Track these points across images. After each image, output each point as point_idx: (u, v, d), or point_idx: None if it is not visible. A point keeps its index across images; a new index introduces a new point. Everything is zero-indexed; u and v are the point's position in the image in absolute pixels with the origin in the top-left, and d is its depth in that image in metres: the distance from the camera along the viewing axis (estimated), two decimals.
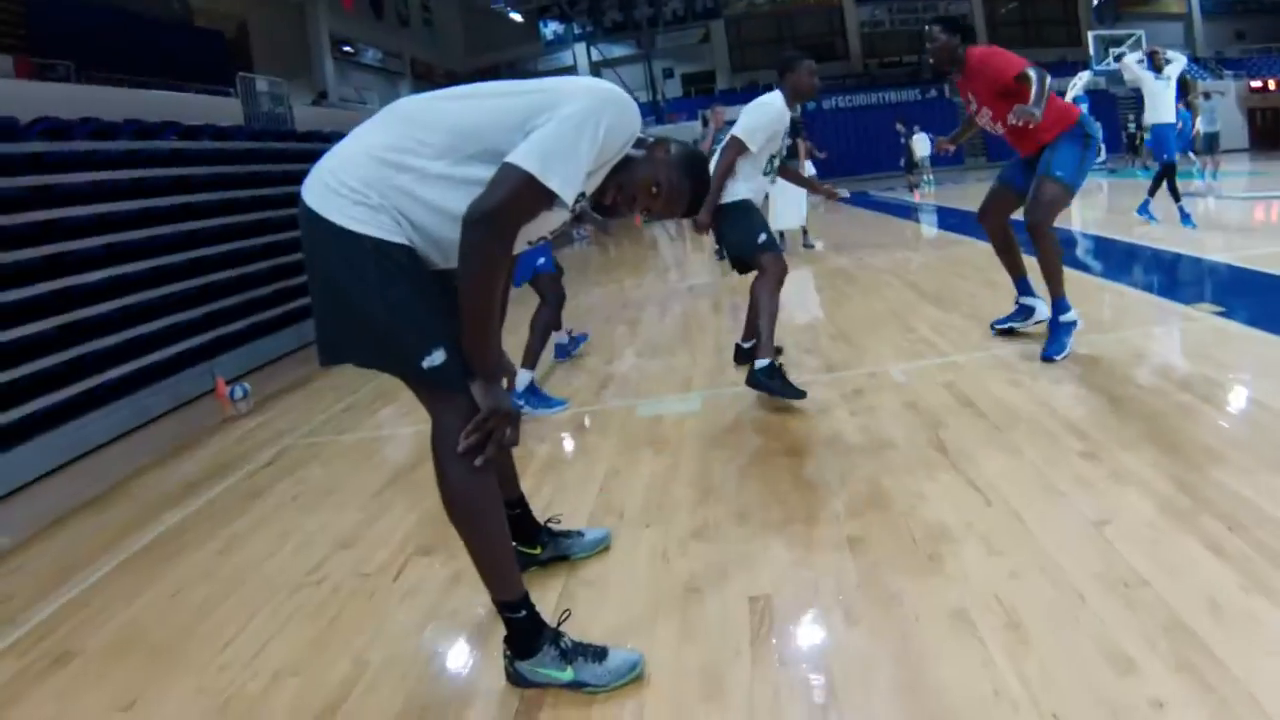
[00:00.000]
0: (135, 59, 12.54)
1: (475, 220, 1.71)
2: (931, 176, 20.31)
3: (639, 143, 2.00)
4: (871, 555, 2.40)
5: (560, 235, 2.26)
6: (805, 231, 10.01)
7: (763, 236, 4.04)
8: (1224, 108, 14.65)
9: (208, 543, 3.41)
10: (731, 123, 4.32)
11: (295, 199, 1.90)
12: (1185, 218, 8.01)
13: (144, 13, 15.31)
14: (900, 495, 2.76)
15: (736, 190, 4.06)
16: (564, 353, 5.63)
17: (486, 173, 1.76)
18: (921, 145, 19.62)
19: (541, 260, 4.57)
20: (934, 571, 2.26)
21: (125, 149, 8.74)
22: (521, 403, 4.37)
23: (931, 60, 4.23)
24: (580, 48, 33.35)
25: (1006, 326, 4.60)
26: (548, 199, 1.76)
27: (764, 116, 4.00)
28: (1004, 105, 3.96)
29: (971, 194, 17.41)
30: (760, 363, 3.87)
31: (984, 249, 8.13)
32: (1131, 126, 19.92)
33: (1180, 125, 9.08)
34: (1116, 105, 24.89)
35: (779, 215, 9.48)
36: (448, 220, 1.78)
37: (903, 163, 19.32)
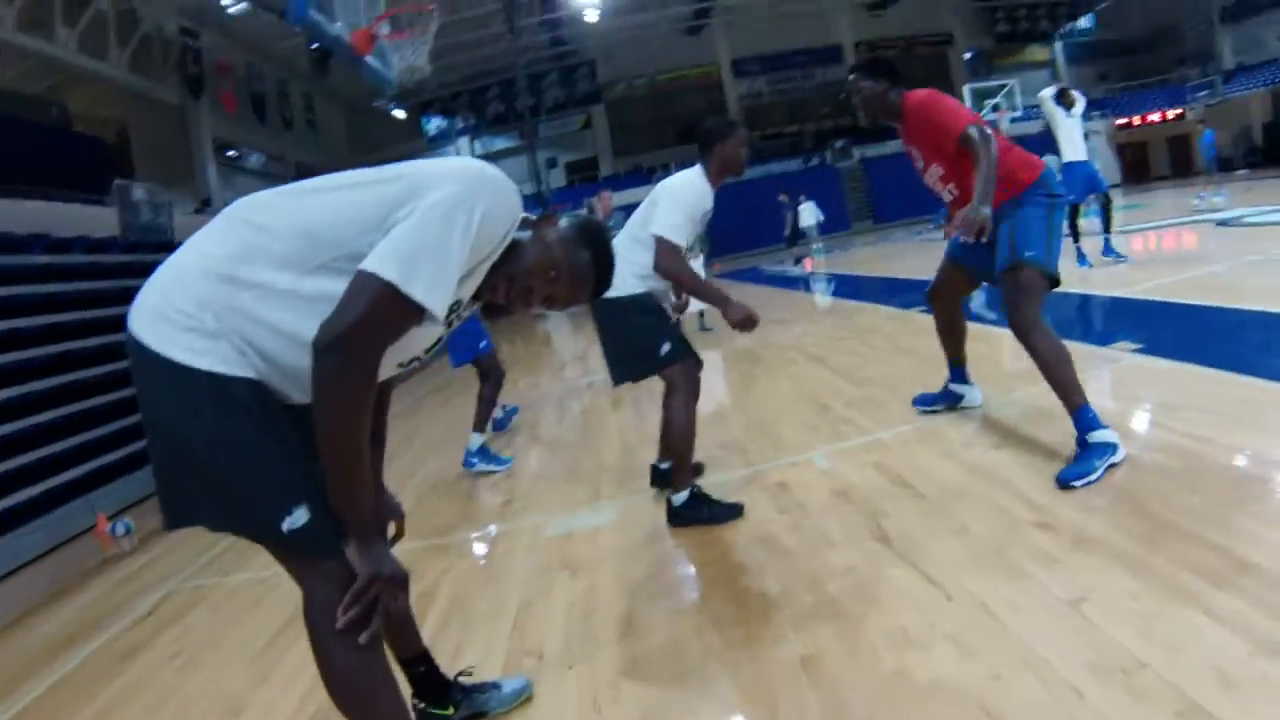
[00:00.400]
0: (11, 167, 11.83)
1: (327, 346, 1.41)
2: (821, 245, 20.87)
3: (522, 224, 1.74)
4: (831, 676, 2.12)
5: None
6: (702, 314, 9.83)
7: (666, 346, 3.41)
8: (1097, 146, 15.51)
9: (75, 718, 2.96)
10: (622, 209, 3.97)
11: None
12: (1081, 258, 8.27)
13: (20, 118, 14.58)
14: (850, 600, 2.49)
15: (635, 283, 3.36)
16: (501, 425, 6.21)
17: (342, 285, 1.47)
18: (808, 214, 20.18)
19: (484, 343, 5.33)
20: (904, 686, 2.00)
21: None
22: (476, 461, 5.22)
23: (863, 114, 3.64)
24: (464, 141, 33.62)
25: (930, 409, 4.23)
26: (416, 312, 1.47)
27: (685, 205, 3.36)
28: (954, 166, 3.33)
29: (861, 258, 18.03)
30: (678, 497, 3.45)
31: (888, 313, 8.42)
32: None
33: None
34: None
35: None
36: (299, 346, 1.48)
37: (785, 234, 19.75)
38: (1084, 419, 3.04)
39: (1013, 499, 2.93)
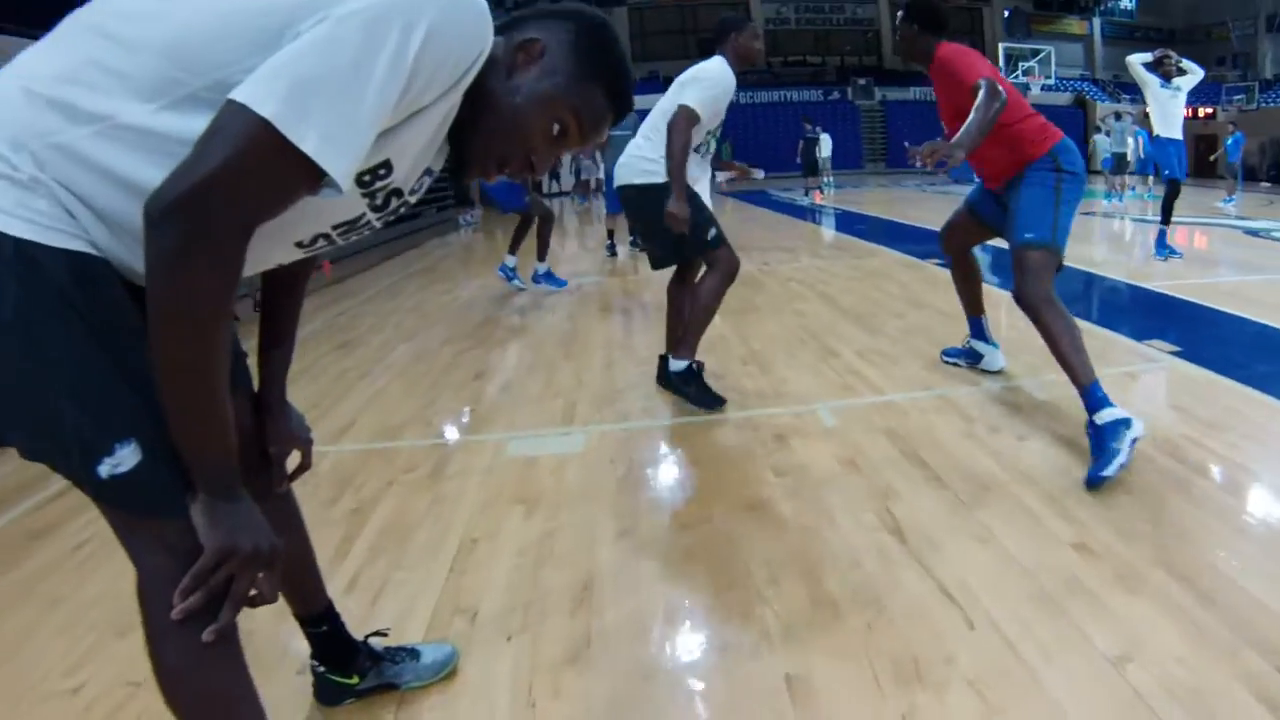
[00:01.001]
0: None
1: (164, 212, 0.88)
2: (831, 179, 20.16)
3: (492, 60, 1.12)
4: (822, 710, 1.70)
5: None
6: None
7: (713, 231, 3.51)
8: (1125, 127, 14.88)
9: None
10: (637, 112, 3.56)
11: None
12: (1162, 245, 7.57)
13: None
14: (852, 604, 2.07)
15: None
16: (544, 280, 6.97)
17: None
18: (825, 146, 19.43)
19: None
20: None
21: None
22: (541, 283, 6.79)
23: (900, 53, 3.65)
24: None
25: (952, 361, 4.13)
26: (305, 171, 0.93)
27: (717, 86, 3.49)
28: (958, 124, 3.06)
29: (870, 199, 17.39)
30: (677, 364, 3.58)
31: (902, 260, 7.95)
32: None
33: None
34: None
35: None
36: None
37: (799, 161, 18.95)
38: (1092, 398, 2.83)
39: (1045, 506, 2.52)
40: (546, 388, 4.28)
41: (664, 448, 3.34)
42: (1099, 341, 4.53)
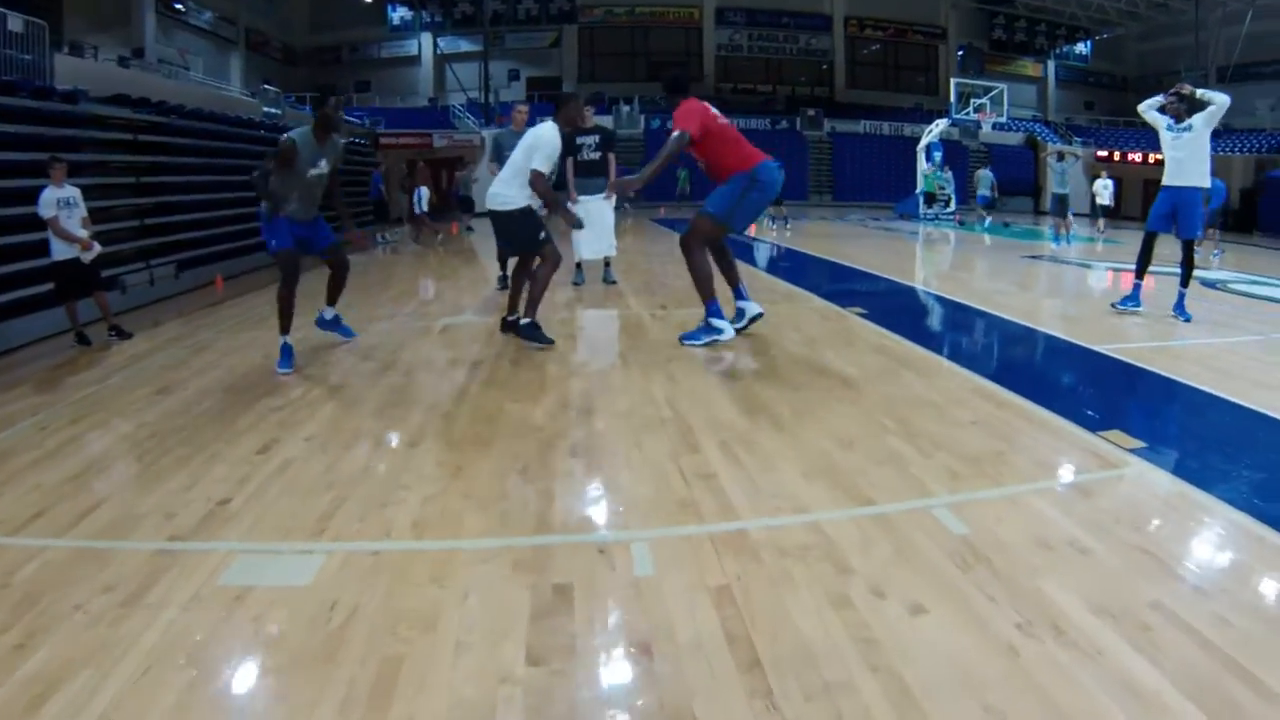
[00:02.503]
0: None
1: None
2: (776, 216, 19.22)
3: None
4: None
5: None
6: (608, 264, 8.56)
7: (543, 233, 5.42)
8: (1074, 174, 14.17)
9: None
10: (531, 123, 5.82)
11: None
12: (1132, 294, 6.60)
13: None
14: None
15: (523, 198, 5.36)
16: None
17: None
18: None
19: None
20: None
21: None
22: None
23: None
24: (426, 37, 30.92)
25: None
26: None
27: (550, 145, 5.25)
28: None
29: (809, 232, 16.37)
30: (525, 320, 5.38)
31: (819, 307, 6.93)
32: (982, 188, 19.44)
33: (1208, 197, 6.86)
34: (969, 157, 25.09)
35: (580, 243, 7.93)
36: None
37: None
38: (711, 309, 5.30)
39: None
40: (324, 474, 3.17)
41: (400, 585, 2.23)
42: (1045, 434, 3.59)
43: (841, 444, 3.39)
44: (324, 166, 5.17)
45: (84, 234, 6.07)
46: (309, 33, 31.92)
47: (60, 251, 6.00)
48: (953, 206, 19.79)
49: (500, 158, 8.03)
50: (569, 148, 7.87)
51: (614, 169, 8.13)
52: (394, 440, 3.64)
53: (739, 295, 5.59)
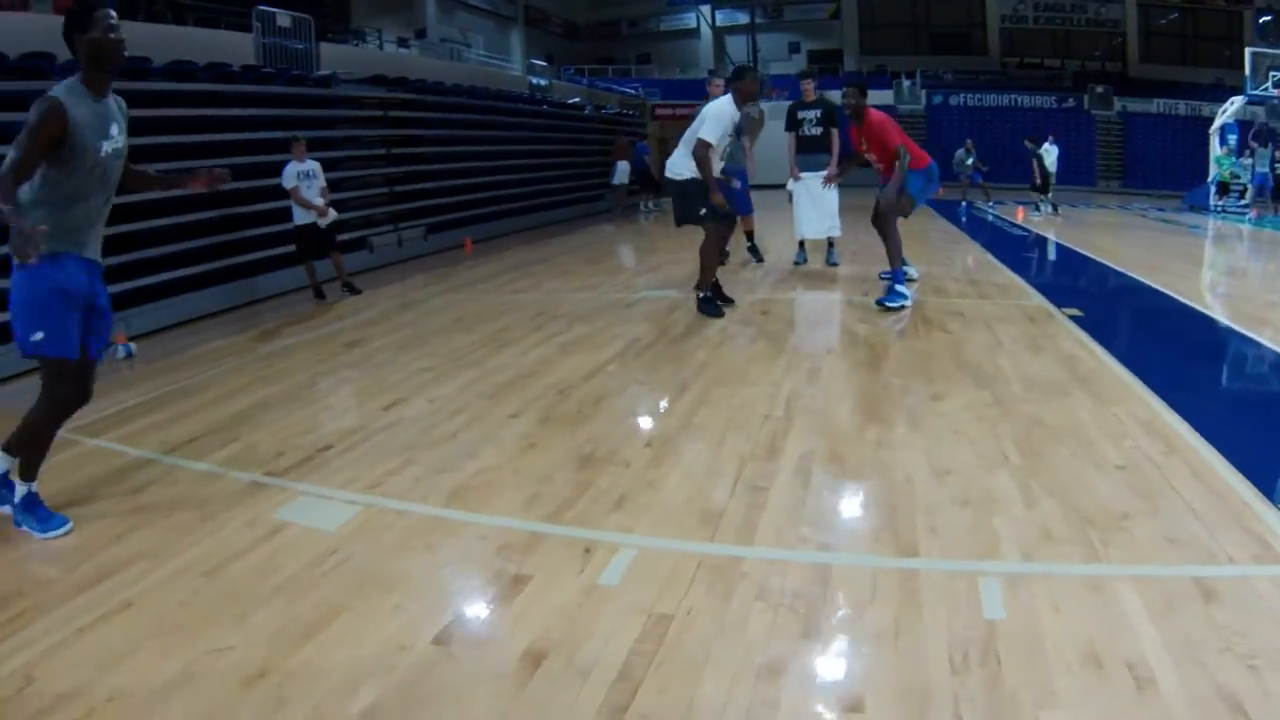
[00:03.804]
0: None
1: None
2: (1046, 199, 17.37)
3: None
4: None
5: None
6: (832, 245, 8.02)
7: (703, 210, 5.50)
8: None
9: None
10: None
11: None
12: None
13: None
14: None
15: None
16: None
17: None
18: (1051, 158, 16.80)
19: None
20: None
21: None
22: None
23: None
24: (705, 10, 31.03)
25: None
26: None
27: (721, 119, 5.47)
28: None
29: (1081, 222, 14.44)
30: (699, 294, 5.82)
31: (1033, 308, 6.28)
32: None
33: None
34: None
35: (802, 221, 7.84)
36: None
37: (1035, 182, 16.44)
38: (898, 275, 5.99)
39: None
40: (419, 435, 3.47)
41: (396, 546, 2.37)
42: (1207, 499, 2.69)
43: (935, 473, 2.94)
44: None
45: (320, 202, 6.90)
46: (589, 8, 33.25)
47: (300, 217, 6.88)
48: (1248, 198, 16.79)
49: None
50: (791, 122, 7.76)
51: (837, 145, 7.77)
52: (499, 411, 3.81)
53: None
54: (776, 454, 3.16)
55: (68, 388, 2.61)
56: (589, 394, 4.03)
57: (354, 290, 7.25)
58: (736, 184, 6.62)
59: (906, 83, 26.24)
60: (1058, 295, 6.38)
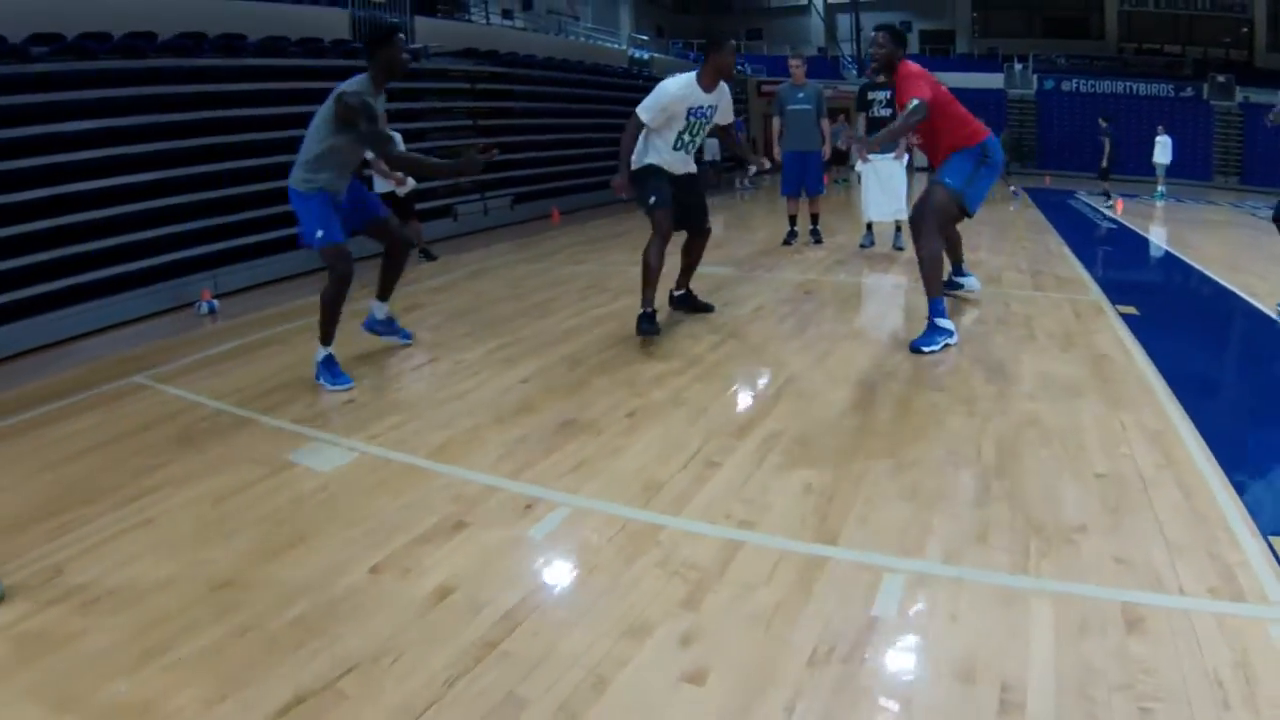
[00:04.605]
0: None
1: None
2: (1163, 188, 16.44)
3: None
4: None
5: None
6: (899, 229, 7.83)
7: (652, 198, 4.60)
8: None
9: None
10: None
11: None
12: None
13: None
14: None
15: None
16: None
17: None
18: (1162, 150, 15.96)
19: None
20: None
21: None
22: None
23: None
24: None
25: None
26: None
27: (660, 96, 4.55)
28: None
29: (1182, 219, 13.66)
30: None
31: (1079, 301, 5.54)
32: None
33: None
34: None
35: (869, 203, 7.74)
36: None
37: (1101, 165, 15.55)
38: (937, 307, 4.45)
39: None
40: (433, 393, 3.82)
41: (372, 488, 2.71)
42: (1182, 518, 2.49)
43: (898, 465, 2.89)
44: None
45: (399, 172, 7.34)
46: None
47: (380, 186, 7.34)
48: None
49: (781, 111, 8.11)
50: (861, 102, 7.63)
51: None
52: (511, 375, 4.11)
53: (958, 271, 5.50)
54: (745, 432, 3.25)
55: (343, 265, 3.91)
56: (598, 364, 4.24)
57: (430, 257, 7.71)
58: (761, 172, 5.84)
59: (1018, 66, 25.09)
60: (1118, 291, 6.04)
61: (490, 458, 3.07)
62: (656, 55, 19.96)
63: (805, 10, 31.18)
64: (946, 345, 4.35)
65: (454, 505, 2.67)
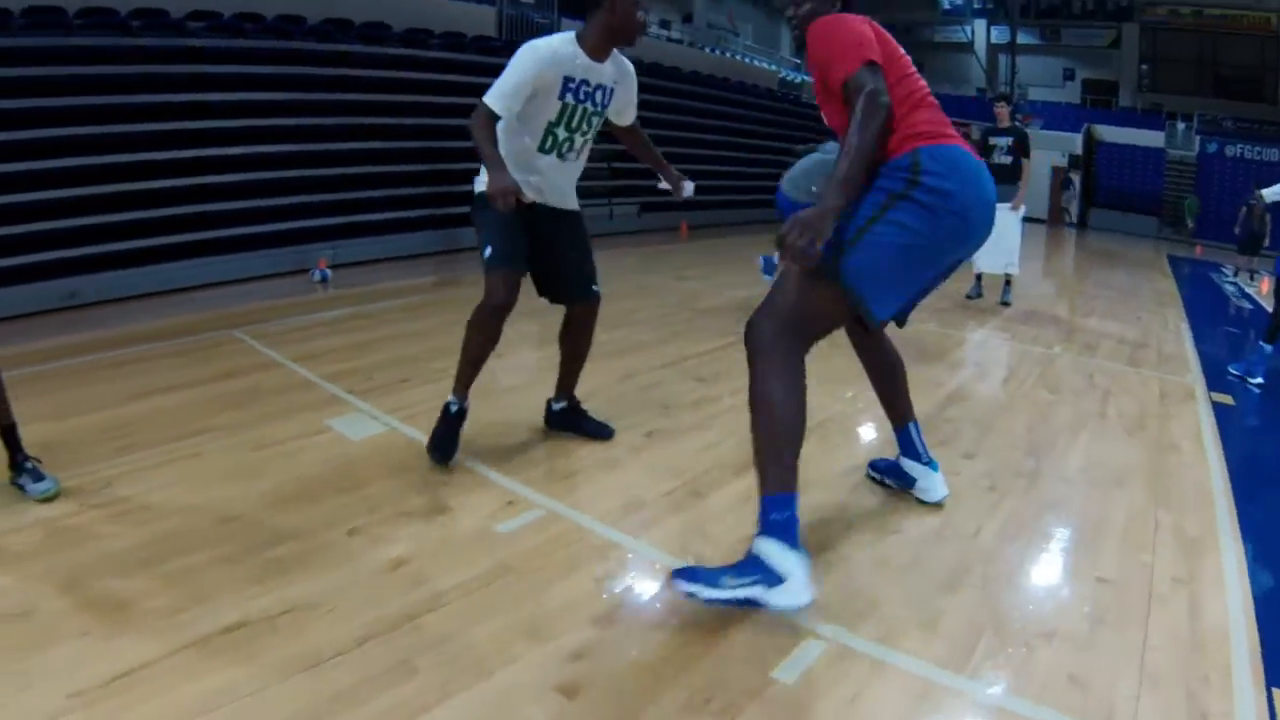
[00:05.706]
0: None
1: None
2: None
3: None
4: None
5: None
6: (1009, 283, 7.56)
7: (488, 249, 2.91)
8: None
9: None
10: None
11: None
12: None
13: None
14: None
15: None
16: None
17: None
18: None
19: None
20: None
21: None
22: None
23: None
24: (979, 25, 29.24)
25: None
26: None
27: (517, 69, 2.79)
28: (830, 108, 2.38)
29: None
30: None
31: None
32: None
33: None
34: None
35: (980, 254, 7.38)
36: None
37: (1236, 232, 14.29)
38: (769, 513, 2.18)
39: None
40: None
41: (381, 452, 3.02)
42: None
43: (879, 530, 2.75)
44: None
45: None
46: (866, 8, 31.99)
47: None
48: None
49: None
50: (982, 147, 7.15)
51: (1028, 177, 7.29)
52: (531, 363, 4.37)
53: (904, 439, 2.99)
54: (745, 470, 3.02)
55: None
56: (644, 382, 4.28)
57: None
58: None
59: (1181, 125, 23.42)
60: (1220, 378, 5.53)
61: (497, 453, 3.29)
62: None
63: (967, 48, 30.23)
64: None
65: (445, 489, 2.93)
